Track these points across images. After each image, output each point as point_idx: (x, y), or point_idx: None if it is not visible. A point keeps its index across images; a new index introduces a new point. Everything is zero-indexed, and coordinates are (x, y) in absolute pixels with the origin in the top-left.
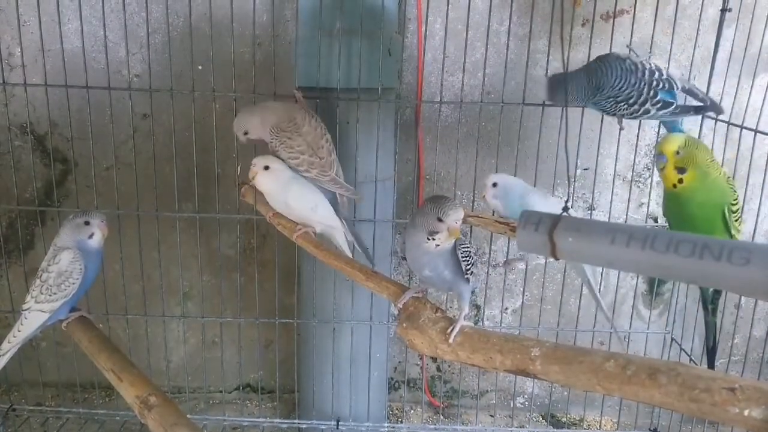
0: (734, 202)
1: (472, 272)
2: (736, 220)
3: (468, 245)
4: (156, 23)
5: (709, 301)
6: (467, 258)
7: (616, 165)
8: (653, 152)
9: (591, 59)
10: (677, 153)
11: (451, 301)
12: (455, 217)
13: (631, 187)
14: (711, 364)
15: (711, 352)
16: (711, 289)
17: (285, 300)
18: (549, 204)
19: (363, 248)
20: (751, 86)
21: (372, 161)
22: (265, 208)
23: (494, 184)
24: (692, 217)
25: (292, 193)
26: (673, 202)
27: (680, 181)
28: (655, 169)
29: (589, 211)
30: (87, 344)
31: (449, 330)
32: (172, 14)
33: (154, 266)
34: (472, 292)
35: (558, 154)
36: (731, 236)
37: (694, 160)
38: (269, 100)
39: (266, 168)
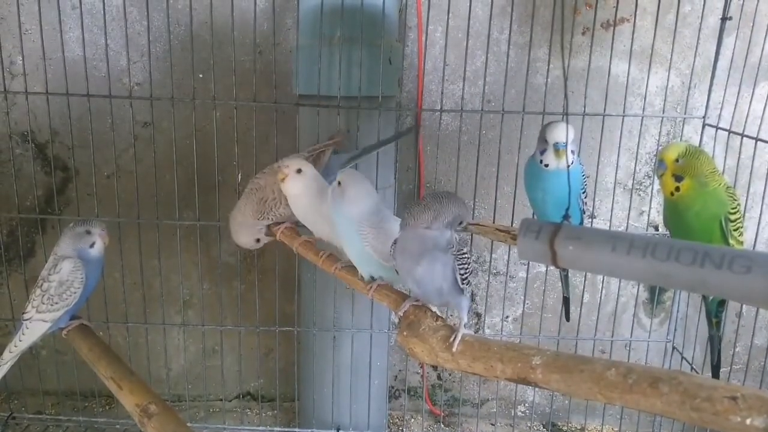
0: (732, 212)
1: (468, 282)
2: (736, 230)
3: (466, 254)
4: (157, 32)
5: (713, 315)
6: (465, 267)
7: (616, 173)
8: (654, 161)
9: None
10: (677, 161)
11: (452, 311)
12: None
13: (632, 195)
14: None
15: (715, 368)
16: (715, 303)
17: (285, 308)
18: None
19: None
20: (752, 94)
21: (372, 170)
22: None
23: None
24: (690, 226)
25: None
26: (671, 211)
27: (677, 189)
28: (655, 176)
29: (590, 219)
30: (87, 352)
31: (451, 339)
32: (173, 23)
33: (155, 274)
34: (472, 299)
35: None
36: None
37: (693, 169)
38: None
39: (299, 171)
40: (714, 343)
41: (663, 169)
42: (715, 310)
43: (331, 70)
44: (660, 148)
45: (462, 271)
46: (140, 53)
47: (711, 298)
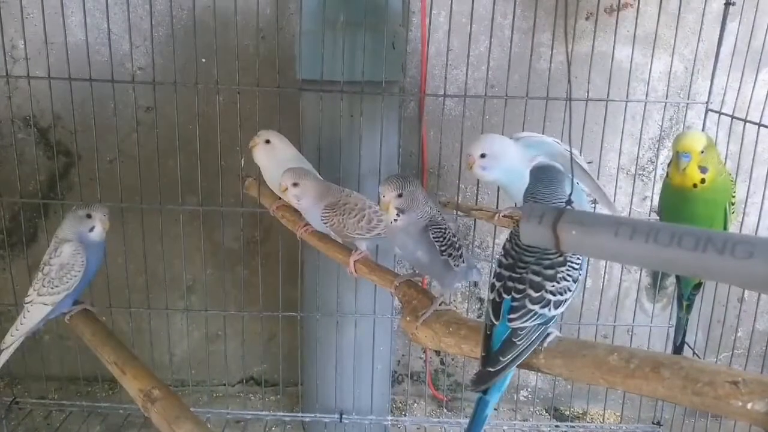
0: (734, 197)
1: (450, 254)
2: (733, 213)
3: (440, 228)
4: (160, 16)
5: (685, 297)
6: (440, 239)
7: (620, 158)
8: (657, 146)
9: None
10: (701, 152)
11: (454, 296)
12: (386, 193)
13: (634, 180)
14: None
15: (678, 349)
16: (690, 286)
17: (288, 293)
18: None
19: None
20: (755, 80)
21: (375, 155)
22: (270, 200)
23: (482, 155)
24: (697, 215)
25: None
26: (679, 200)
27: (702, 181)
28: (667, 165)
29: (593, 205)
30: (90, 337)
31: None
32: (175, 7)
33: (158, 259)
34: (476, 284)
35: None
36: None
37: (713, 159)
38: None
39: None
40: (680, 325)
41: (687, 161)
42: (688, 293)
43: (334, 55)
44: (676, 137)
45: (439, 245)
46: (143, 38)
47: (686, 280)
